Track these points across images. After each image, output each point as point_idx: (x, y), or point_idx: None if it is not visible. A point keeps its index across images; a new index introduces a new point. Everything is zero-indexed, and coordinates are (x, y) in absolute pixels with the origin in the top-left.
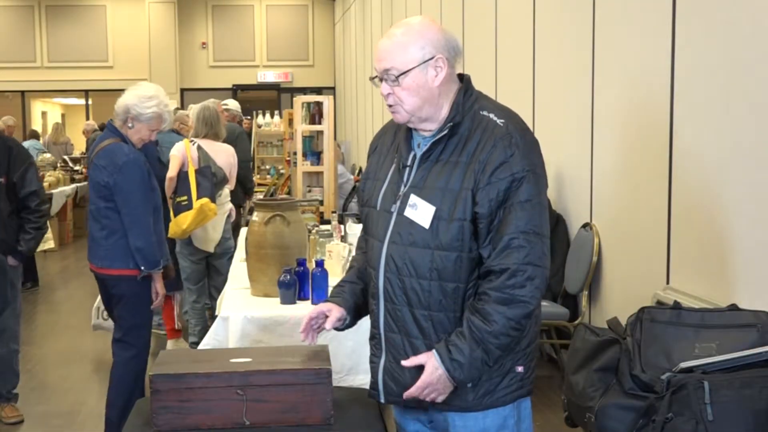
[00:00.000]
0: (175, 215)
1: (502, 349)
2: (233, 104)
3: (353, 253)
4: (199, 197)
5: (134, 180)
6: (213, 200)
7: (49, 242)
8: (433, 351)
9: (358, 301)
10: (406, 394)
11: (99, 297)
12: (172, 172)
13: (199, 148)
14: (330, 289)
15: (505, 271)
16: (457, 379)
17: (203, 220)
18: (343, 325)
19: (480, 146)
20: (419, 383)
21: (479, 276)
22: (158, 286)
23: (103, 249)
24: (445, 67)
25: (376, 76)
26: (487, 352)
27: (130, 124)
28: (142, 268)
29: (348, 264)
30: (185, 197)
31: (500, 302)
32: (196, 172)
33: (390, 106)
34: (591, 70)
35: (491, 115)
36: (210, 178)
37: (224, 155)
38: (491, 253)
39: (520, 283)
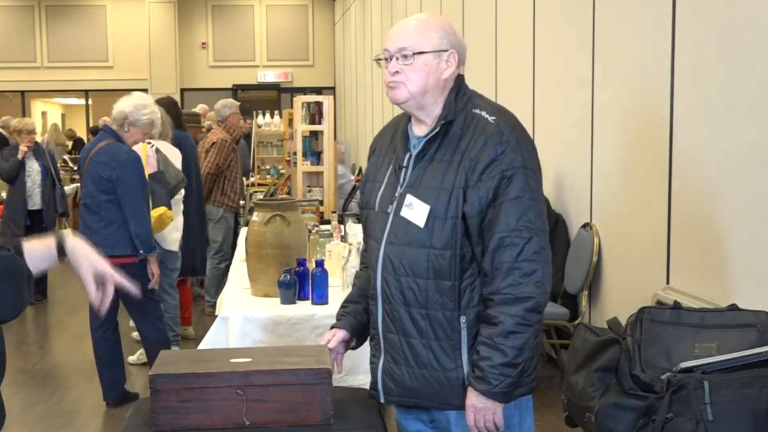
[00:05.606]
0: None
1: (519, 348)
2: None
3: (353, 253)
4: (155, 206)
5: (135, 175)
6: (169, 207)
7: None
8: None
9: (362, 320)
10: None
11: None
12: None
13: (158, 150)
14: (329, 290)
15: (499, 270)
16: (486, 392)
17: (160, 228)
18: (351, 346)
19: (471, 144)
20: (467, 415)
21: (478, 275)
22: (154, 268)
23: (102, 237)
24: (454, 65)
25: (383, 57)
26: (505, 355)
27: (126, 129)
28: (141, 251)
29: (348, 264)
30: None
31: (502, 303)
32: (150, 177)
33: (391, 83)
34: (591, 70)
35: (483, 113)
36: (165, 184)
37: (177, 159)
38: (485, 252)
39: (517, 281)
